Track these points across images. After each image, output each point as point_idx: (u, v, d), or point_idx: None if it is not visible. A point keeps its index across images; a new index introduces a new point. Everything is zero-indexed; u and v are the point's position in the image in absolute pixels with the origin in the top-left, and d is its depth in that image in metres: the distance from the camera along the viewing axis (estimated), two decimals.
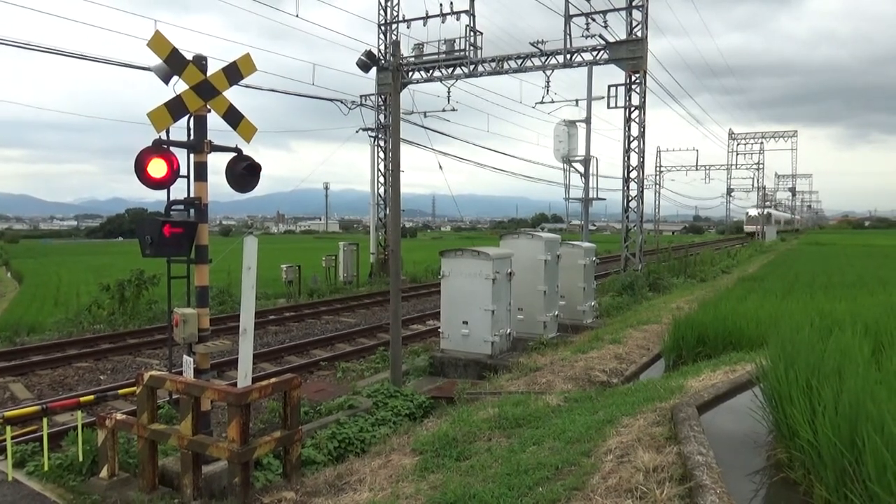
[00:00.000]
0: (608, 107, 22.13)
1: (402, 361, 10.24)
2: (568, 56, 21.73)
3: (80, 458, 6.35)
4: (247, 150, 6.90)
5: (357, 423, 7.96)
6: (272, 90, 21.31)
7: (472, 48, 23.00)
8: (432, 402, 9.20)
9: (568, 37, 21.56)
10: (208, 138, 6.53)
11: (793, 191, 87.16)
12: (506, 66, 22.85)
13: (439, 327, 11.72)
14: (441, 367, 11.02)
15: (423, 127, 23.65)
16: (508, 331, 11.55)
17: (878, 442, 3.10)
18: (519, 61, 22.69)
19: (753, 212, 73.46)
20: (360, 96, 25.85)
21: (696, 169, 67.83)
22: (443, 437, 6.08)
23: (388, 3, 26.20)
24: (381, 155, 26.94)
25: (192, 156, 6.53)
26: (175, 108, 6.28)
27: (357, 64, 10.20)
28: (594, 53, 21.49)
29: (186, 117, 6.45)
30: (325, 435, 7.46)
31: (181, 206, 6.59)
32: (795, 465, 3.86)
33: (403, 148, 11.11)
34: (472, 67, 23.21)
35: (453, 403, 8.56)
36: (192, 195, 6.55)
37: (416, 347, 13.65)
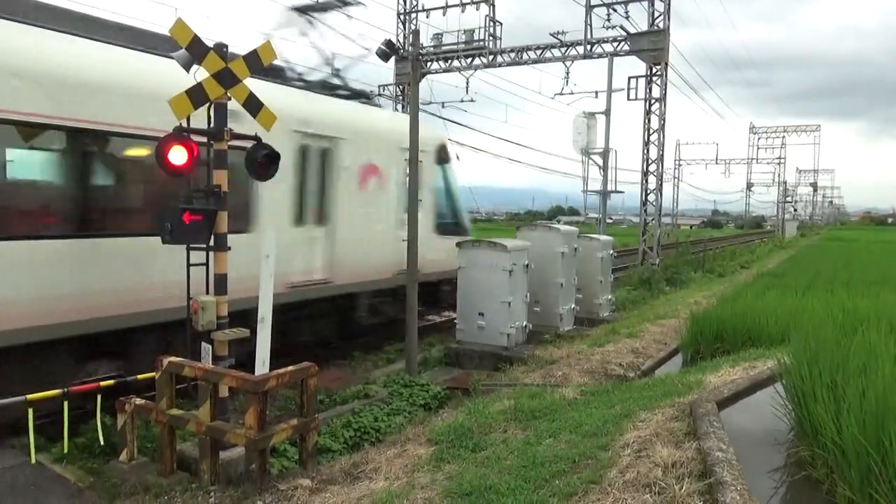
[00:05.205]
0: (628, 99, 21.91)
1: (417, 352, 10.25)
2: (588, 47, 21.51)
3: (101, 442, 6.43)
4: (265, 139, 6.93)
5: (372, 412, 7.98)
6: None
7: (491, 38, 22.83)
8: (447, 393, 9.20)
9: (589, 27, 21.33)
10: (228, 126, 6.54)
11: (814, 186, 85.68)
12: (525, 56, 22.67)
13: (455, 318, 11.71)
14: (456, 358, 11.02)
15: (440, 117, 23.54)
16: (524, 323, 11.50)
17: None
18: (538, 52, 22.49)
19: None
20: (379, 86, 25.80)
21: (716, 163, 66.86)
22: (458, 428, 6.08)
23: None
24: None
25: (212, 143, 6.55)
26: (196, 95, 6.29)
27: (376, 53, 10.16)
28: (615, 45, 21.25)
29: (207, 105, 6.46)
30: (341, 423, 7.49)
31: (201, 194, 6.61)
32: (818, 464, 3.81)
33: None
34: (491, 58, 23.05)
35: (468, 394, 8.56)
36: (212, 183, 6.57)
37: (432, 338, 13.64)
